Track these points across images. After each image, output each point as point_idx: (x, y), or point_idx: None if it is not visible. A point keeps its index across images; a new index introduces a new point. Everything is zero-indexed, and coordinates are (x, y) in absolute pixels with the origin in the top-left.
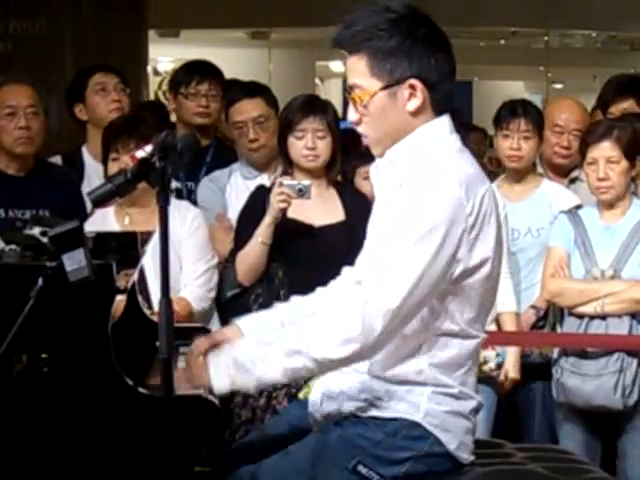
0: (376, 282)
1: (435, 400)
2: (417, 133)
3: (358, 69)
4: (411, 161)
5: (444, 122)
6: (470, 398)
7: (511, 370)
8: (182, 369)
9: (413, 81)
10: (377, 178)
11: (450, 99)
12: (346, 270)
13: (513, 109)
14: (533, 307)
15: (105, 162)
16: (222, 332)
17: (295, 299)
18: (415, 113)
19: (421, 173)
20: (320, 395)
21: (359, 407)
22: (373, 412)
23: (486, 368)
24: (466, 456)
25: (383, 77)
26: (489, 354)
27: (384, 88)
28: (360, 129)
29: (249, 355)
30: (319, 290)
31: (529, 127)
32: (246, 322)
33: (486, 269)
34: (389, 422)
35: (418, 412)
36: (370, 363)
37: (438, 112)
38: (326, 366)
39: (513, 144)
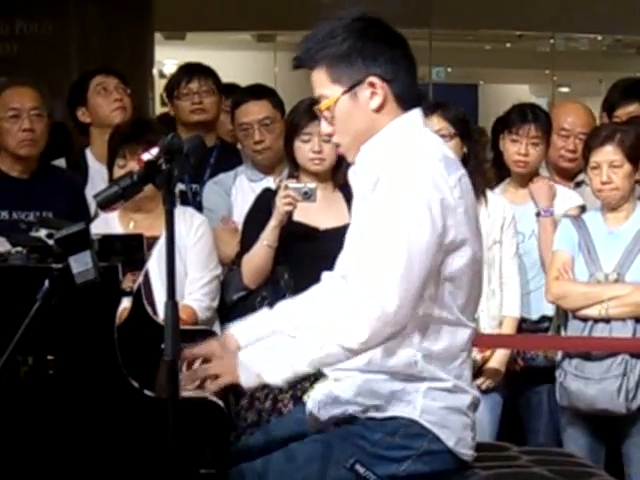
0: (374, 280)
1: (431, 396)
2: (386, 130)
3: (320, 80)
4: (384, 157)
5: (414, 116)
6: (466, 392)
7: (493, 360)
8: (194, 370)
9: (371, 79)
10: (355, 181)
11: (414, 94)
12: (326, 275)
13: (523, 114)
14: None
15: (110, 167)
16: (218, 341)
17: (280, 307)
18: (379, 110)
19: (397, 163)
20: (318, 399)
21: (357, 409)
22: (371, 413)
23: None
24: (466, 451)
25: (343, 81)
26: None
27: (346, 92)
28: (334, 140)
29: (277, 352)
30: (301, 297)
31: (538, 133)
32: (239, 329)
33: (469, 249)
34: (387, 422)
35: (415, 410)
36: (365, 357)
37: (405, 107)
38: (354, 351)
39: (521, 149)
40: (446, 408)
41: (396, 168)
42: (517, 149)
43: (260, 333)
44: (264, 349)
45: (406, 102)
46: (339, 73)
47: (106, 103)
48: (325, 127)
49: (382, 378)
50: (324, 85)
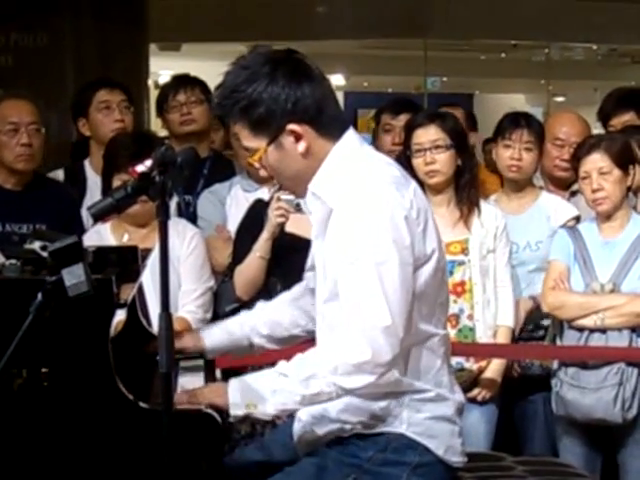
0: (357, 310)
1: (415, 408)
2: (327, 162)
3: (243, 135)
4: (334, 186)
5: (349, 139)
6: (448, 399)
7: (489, 370)
8: (185, 392)
9: (290, 126)
10: (308, 210)
11: (339, 119)
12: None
13: (516, 120)
14: (531, 297)
15: (106, 177)
16: (182, 335)
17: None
18: (307, 154)
19: (349, 190)
20: (304, 420)
21: (343, 428)
22: (358, 431)
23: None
24: (456, 459)
25: (264, 133)
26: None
27: (270, 143)
28: (275, 181)
29: (268, 385)
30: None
31: (531, 138)
32: (207, 329)
33: (434, 259)
34: (377, 438)
35: (401, 424)
36: None
37: (335, 136)
38: (344, 395)
39: (514, 154)
40: (431, 418)
41: (350, 202)
42: (510, 154)
43: (226, 335)
44: (260, 379)
45: (333, 132)
46: (258, 126)
47: (107, 122)
48: (263, 173)
49: (365, 397)
50: (248, 138)
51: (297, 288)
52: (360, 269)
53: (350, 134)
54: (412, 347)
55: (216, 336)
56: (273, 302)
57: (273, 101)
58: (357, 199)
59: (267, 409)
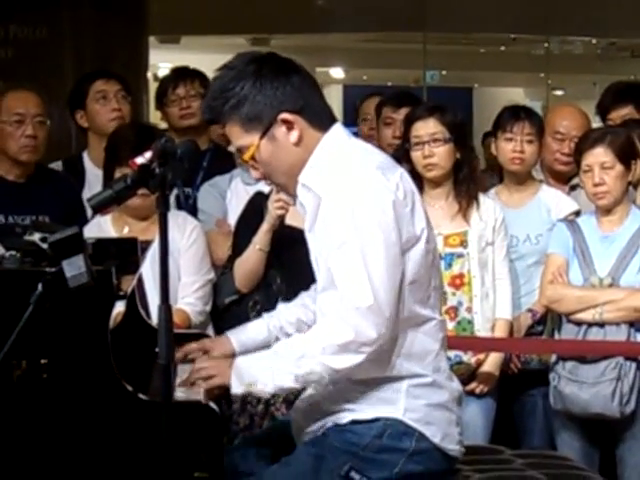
0: (343, 292)
1: (413, 394)
2: (315, 155)
3: (235, 134)
4: (322, 176)
5: (336, 131)
6: (446, 387)
7: (487, 364)
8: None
9: (282, 115)
10: (302, 211)
11: (326, 112)
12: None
13: (516, 113)
14: (530, 310)
15: (107, 170)
16: (212, 339)
17: (276, 312)
18: (299, 142)
19: (337, 178)
20: (302, 408)
21: (341, 415)
22: (355, 416)
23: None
24: (452, 447)
25: (256, 128)
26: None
27: (262, 137)
28: (268, 182)
29: (266, 364)
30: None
31: (532, 130)
32: (235, 333)
33: (423, 239)
34: (373, 424)
35: (398, 409)
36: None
37: (324, 128)
38: (336, 375)
39: (516, 146)
40: (429, 405)
41: (336, 186)
42: (512, 147)
43: (254, 337)
44: (259, 359)
45: (322, 123)
46: (249, 122)
47: (104, 112)
48: (255, 174)
49: (364, 383)
50: (239, 137)
51: (313, 287)
52: (346, 252)
53: (338, 126)
54: (408, 330)
55: (245, 340)
56: (295, 302)
57: (263, 94)
58: (343, 186)
59: (265, 388)
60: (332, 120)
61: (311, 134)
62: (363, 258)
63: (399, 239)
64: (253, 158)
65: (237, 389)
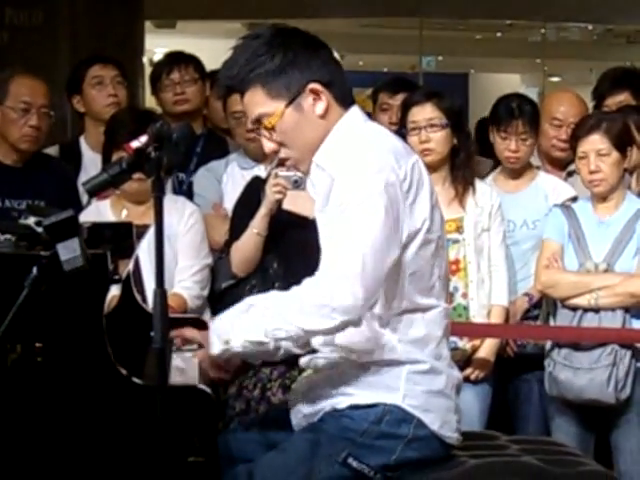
0: (332, 255)
1: (413, 380)
2: (333, 133)
3: (257, 101)
4: (336, 157)
5: (355, 113)
6: (446, 374)
7: (482, 350)
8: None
9: (312, 85)
10: (313, 190)
11: (349, 92)
12: None
13: (510, 110)
14: (526, 294)
15: (106, 155)
16: (206, 334)
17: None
18: (325, 115)
19: (349, 158)
20: (301, 391)
21: (339, 400)
22: (353, 401)
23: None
24: (451, 434)
25: (283, 95)
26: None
27: (289, 104)
28: (281, 154)
29: (239, 319)
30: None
31: (526, 128)
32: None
33: (424, 230)
34: (371, 409)
35: (397, 395)
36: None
37: (345, 106)
38: (303, 336)
39: (511, 146)
40: (428, 392)
41: (349, 165)
42: (507, 146)
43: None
44: (233, 315)
45: (345, 101)
46: (277, 88)
47: (101, 97)
48: (269, 145)
49: (364, 367)
50: (263, 104)
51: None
52: (345, 214)
53: (356, 109)
54: (411, 316)
55: None
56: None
57: (293, 64)
58: (356, 165)
59: (236, 342)
60: (352, 100)
61: (335, 109)
62: (361, 225)
63: (396, 225)
64: (272, 127)
65: (215, 348)
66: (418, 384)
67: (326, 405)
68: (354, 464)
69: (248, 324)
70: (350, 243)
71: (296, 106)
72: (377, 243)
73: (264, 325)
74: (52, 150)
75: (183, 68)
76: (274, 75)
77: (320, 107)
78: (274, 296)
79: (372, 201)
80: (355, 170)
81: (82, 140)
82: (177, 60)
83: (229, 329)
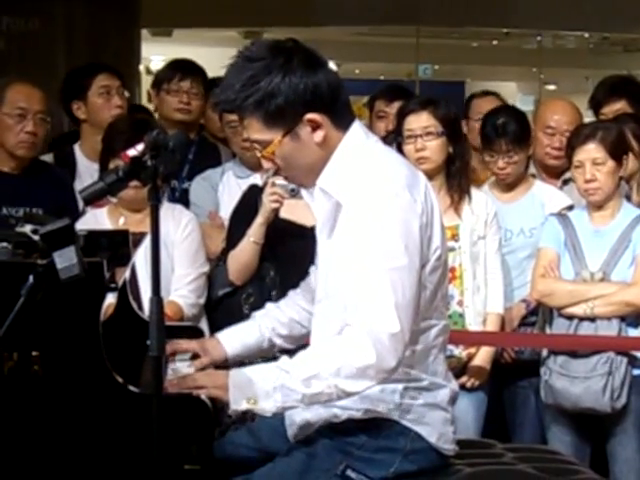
0: (366, 312)
1: (409, 395)
2: (336, 155)
3: (254, 127)
4: (343, 182)
5: (356, 131)
6: (443, 387)
7: (478, 358)
8: (182, 376)
9: (309, 116)
10: (313, 204)
11: (348, 107)
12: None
13: (494, 129)
14: (523, 301)
15: (104, 164)
16: (201, 342)
17: (266, 311)
18: (324, 142)
19: (361, 188)
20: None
21: (335, 414)
22: (350, 415)
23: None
24: (448, 446)
25: (280, 125)
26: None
27: (285, 134)
28: (282, 173)
29: (269, 381)
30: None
31: (510, 147)
32: (226, 335)
33: (436, 256)
34: (368, 423)
35: (394, 410)
36: None
37: (345, 127)
38: (345, 397)
39: (498, 164)
40: (425, 405)
41: (364, 202)
42: (495, 164)
43: (246, 339)
44: (263, 375)
45: (345, 121)
46: (274, 119)
47: (107, 107)
48: (266, 164)
49: None
50: (260, 131)
51: (303, 285)
52: (372, 273)
53: (357, 126)
54: (415, 340)
55: (237, 343)
56: (285, 301)
57: (292, 92)
58: (371, 200)
59: (267, 406)
60: (352, 117)
61: (334, 134)
62: (391, 283)
63: (420, 264)
64: (269, 153)
65: (238, 405)
66: (415, 398)
67: (322, 417)
68: (353, 476)
69: (282, 390)
70: (383, 300)
71: (293, 135)
72: (408, 294)
73: (302, 390)
74: (47, 158)
75: (194, 80)
76: (270, 105)
77: (318, 136)
78: (311, 359)
79: (396, 254)
80: (371, 209)
81: (77, 148)
82: (190, 70)
83: (257, 391)
